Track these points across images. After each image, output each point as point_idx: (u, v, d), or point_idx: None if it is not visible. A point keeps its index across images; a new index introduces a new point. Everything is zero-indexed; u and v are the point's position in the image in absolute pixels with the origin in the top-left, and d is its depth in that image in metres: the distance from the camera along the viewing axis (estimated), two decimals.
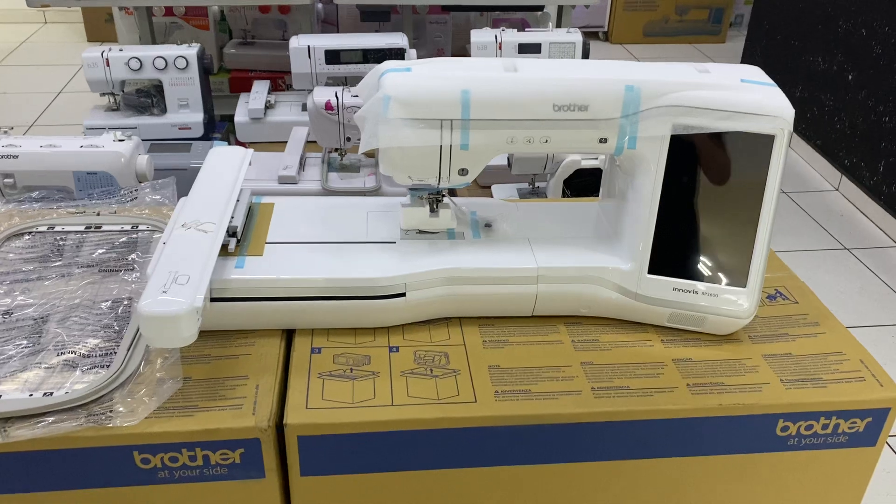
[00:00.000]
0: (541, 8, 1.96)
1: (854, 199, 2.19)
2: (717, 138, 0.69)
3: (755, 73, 0.74)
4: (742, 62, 2.91)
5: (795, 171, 2.37)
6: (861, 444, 0.70)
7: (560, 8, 1.95)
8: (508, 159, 1.26)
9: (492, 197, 1.29)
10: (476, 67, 0.71)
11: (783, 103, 0.69)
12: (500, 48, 1.59)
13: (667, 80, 0.70)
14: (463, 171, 0.72)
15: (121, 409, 0.63)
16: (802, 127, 2.45)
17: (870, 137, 2.11)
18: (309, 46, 1.56)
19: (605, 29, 3.52)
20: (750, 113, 0.68)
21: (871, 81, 2.11)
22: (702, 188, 0.71)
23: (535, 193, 1.28)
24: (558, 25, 1.95)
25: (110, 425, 0.61)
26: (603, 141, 0.71)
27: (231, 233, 0.73)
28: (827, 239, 2.01)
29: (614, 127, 0.70)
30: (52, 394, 0.63)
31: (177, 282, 0.63)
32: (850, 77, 2.19)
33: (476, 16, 2.14)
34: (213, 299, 0.70)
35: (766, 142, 0.69)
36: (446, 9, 2.06)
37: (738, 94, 0.69)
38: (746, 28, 2.89)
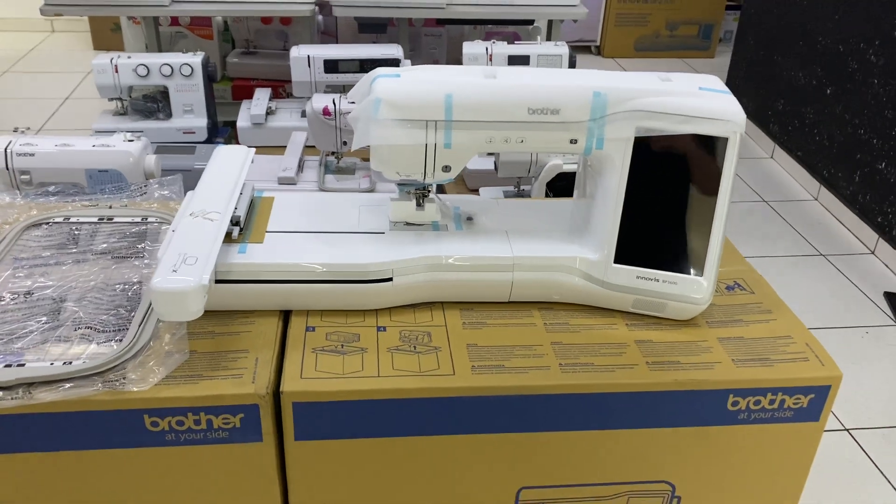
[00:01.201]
0: (531, 22, 2.04)
1: (832, 208, 2.27)
2: (677, 140, 0.76)
3: (713, 82, 0.81)
4: (728, 76, 3.00)
5: (777, 182, 2.46)
6: (805, 419, 0.77)
7: (550, 22, 2.03)
8: (495, 163, 1.33)
9: None
10: (459, 74, 0.79)
11: (736, 109, 0.76)
12: (491, 59, 1.67)
13: (631, 86, 0.77)
14: (446, 168, 0.80)
15: (133, 376, 0.70)
16: (784, 139, 2.53)
17: (847, 149, 2.20)
18: (309, 56, 1.65)
19: (598, 43, 3.61)
20: (706, 118, 0.76)
21: (847, 95, 2.19)
22: (663, 185, 0.78)
23: (521, 196, 1.36)
24: (548, 39, 2.03)
25: (123, 390, 0.68)
26: (573, 142, 0.79)
27: (234, 222, 0.80)
28: (804, 245, 2.09)
29: (583, 129, 0.77)
30: (70, 363, 0.70)
31: (186, 262, 0.70)
32: (828, 91, 2.28)
33: (470, 29, 2.22)
34: (217, 281, 0.76)
35: (720, 144, 0.76)
36: (440, 22, 2.14)
37: (696, 100, 0.77)
38: None
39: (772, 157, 2.58)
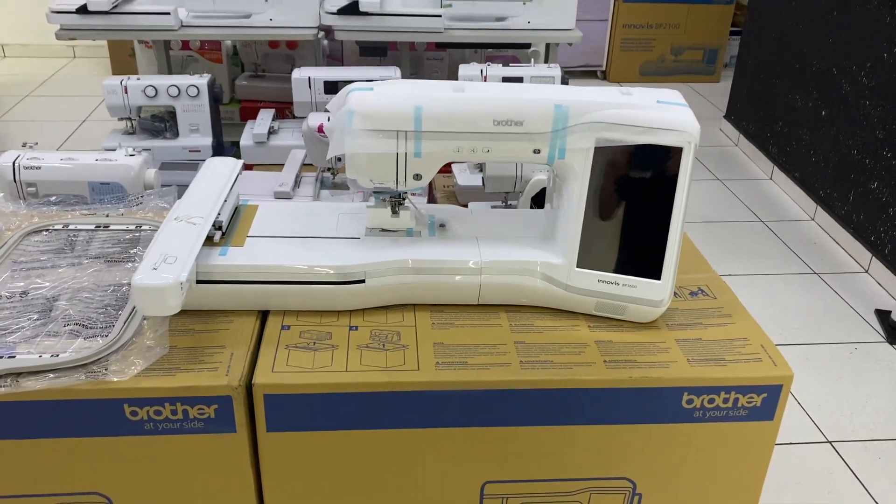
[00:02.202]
0: (528, 46, 2.10)
1: (827, 228, 2.28)
2: (635, 150, 0.80)
3: (672, 95, 0.85)
4: (730, 100, 3.04)
5: (775, 202, 2.48)
6: (760, 418, 0.80)
7: (547, 46, 2.09)
8: (482, 179, 1.37)
9: None
10: (429, 87, 0.83)
11: (691, 120, 0.80)
12: (486, 81, 1.72)
13: (591, 100, 0.81)
14: (417, 176, 0.84)
15: (114, 368, 0.74)
16: (783, 160, 2.56)
17: (841, 169, 2.22)
18: (309, 77, 1.71)
19: (603, 68, 3.67)
20: (662, 128, 0.79)
21: (840, 117, 2.22)
22: (622, 193, 0.82)
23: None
24: (546, 62, 2.09)
25: (104, 380, 0.73)
26: (537, 152, 0.83)
27: (217, 226, 0.85)
28: (798, 264, 2.11)
29: (546, 140, 0.82)
30: (57, 355, 0.75)
31: (166, 261, 0.74)
32: (823, 113, 2.31)
33: (470, 53, 2.29)
34: (198, 281, 0.81)
35: (675, 153, 0.80)
36: (441, 46, 2.21)
37: (653, 112, 0.81)
38: None
39: (771, 179, 2.61)
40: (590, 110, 0.81)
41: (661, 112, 0.81)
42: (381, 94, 0.82)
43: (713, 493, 0.84)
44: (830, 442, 1.45)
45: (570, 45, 1.96)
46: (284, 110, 2.26)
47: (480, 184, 1.40)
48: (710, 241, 2.21)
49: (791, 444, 1.45)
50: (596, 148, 0.81)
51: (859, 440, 1.46)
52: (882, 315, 1.84)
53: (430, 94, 0.82)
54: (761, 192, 2.53)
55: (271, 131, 1.82)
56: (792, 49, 2.50)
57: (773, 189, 2.55)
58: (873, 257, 2.05)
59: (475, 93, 0.82)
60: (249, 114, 2.27)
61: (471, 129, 0.81)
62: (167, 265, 0.74)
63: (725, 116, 3.04)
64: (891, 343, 1.76)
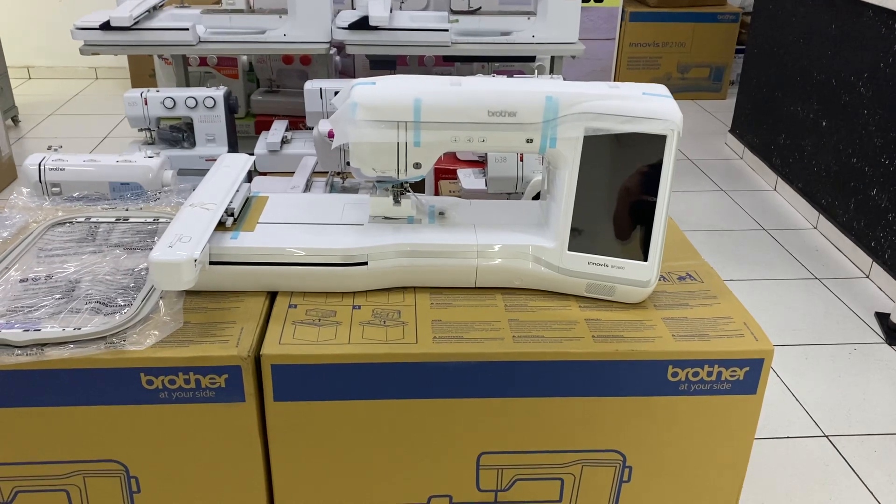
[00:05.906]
0: (532, 59, 2.17)
1: (829, 236, 2.31)
2: (622, 138, 0.85)
3: (658, 89, 0.90)
4: (734, 115, 3.08)
5: (778, 212, 2.51)
6: (743, 391, 0.83)
7: (552, 60, 2.15)
8: (486, 181, 1.42)
9: None
10: (428, 82, 0.89)
11: (674, 110, 0.85)
12: None
13: (581, 91, 0.86)
14: (417, 165, 0.89)
15: (133, 338, 0.79)
16: (786, 171, 2.60)
17: (842, 178, 2.25)
18: (321, 88, 1.77)
19: None
20: (646, 118, 0.84)
21: (840, 127, 2.26)
22: (610, 179, 0.86)
23: None
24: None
25: (123, 349, 0.78)
26: (529, 141, 0.88)
27: (229, 213, 0.91)
28: (800, 270, 2.13)
29: (538, 130, 0.87)
30: (80, 329, 0.80)
31: (181, 240, 0.80)
32: (823, 123, 2.35)
33: (478, 66, 2.35)
34: (212, 262, 0.86)
35: (659, 141, 0.84)
36: (449, 60, 2.28)
37: (638, 103, 0.86)
38: None
39: (774, 190, 2.64)
40: (579, 101, 0.86)
41: (646, 103, 0.85)
42: (382, 87, 0.87)
43: (701, 467, 0.88)
44: (827, 436, 1.47)
45: (574, 57, 2.02)
46: (298, 123, 2.33)
47: (484, 187, 1.45)
48: (714, 249, 2.24)
49: (788, 437, 1.48)
50: (585, 137, 0.86)
51: (856, 435, 1.48)
52: (881, 317, 1.87)
53: (428, 87, 0.87)
54: (765, 202, 2.57)
55: (284, 141, 1.89)
56: (793, 63, 2.55)
57: (776, 199, 2.59)
58: (874, 262, 2.07)
59: (471, 86, 0.88)
60: (264, 127, 2.34)
61: (467, 120, 0.86)
62: (182, 243, 0.79)
63: (731, 131, 3.08)
64: (890, 344, 1.78)
